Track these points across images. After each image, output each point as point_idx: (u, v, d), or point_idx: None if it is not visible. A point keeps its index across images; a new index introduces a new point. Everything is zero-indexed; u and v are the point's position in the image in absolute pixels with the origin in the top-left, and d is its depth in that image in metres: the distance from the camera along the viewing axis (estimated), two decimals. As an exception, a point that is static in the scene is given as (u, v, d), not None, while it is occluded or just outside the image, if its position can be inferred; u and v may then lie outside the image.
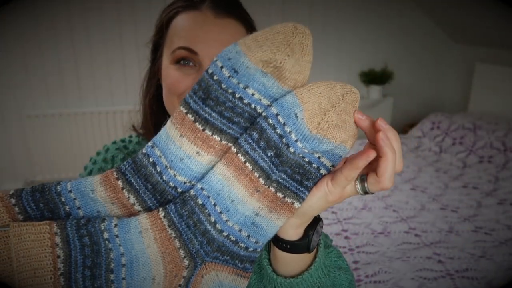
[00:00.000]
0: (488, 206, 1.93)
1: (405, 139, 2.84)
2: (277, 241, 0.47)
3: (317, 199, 0.42)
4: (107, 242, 0.39)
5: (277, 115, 0.38)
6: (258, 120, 0.39)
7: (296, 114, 0.38)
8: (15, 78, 2.55)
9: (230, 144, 0.40)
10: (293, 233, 0.46)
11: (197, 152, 0.40)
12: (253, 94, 0.39)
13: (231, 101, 0.39)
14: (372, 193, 0.41)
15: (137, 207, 0.42)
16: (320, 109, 0.39)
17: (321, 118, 0.39)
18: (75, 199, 0.41)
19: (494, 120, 2.62)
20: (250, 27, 0.64)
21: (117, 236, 0.39)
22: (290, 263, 0.49)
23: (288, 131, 0.38)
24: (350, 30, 3.19)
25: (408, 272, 1.37)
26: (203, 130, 0.39)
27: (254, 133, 0.39)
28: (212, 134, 0.40)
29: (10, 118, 2.61)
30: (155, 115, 0.69)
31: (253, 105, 0.39)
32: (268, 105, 0.40)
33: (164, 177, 0.41)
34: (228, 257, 0.42)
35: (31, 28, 2.49)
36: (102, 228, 0.39)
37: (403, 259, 1.45)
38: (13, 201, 0.40)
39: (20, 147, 2.66)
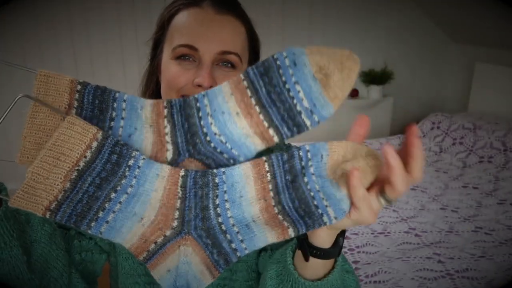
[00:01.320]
0: (488, 206, 1.93)
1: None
2: (312, 249, 0.49)
3: (350, 222, 0.45)
4: (127, 168, 0.42)
5: (308, 151, 0.43)
6: (292, 149, 0.44)
7: (322, 155, 0.43)
8: (15, 77, 2.55)
9: (264, 122, 0.45)
10: (328, 242, 0.48)
11: (237, 113, 0.45)
12: (299, 91, 0.44)
13: (281, 87, 0.44)
14: (395, 201, 0.44)
15: (168, 138, 0.46)
16: (342, 160, 0.43)
17: (339, 166, 0.43)
18: (124, 109, 0.46)
19: (494, 120, 2.62)
20: (249, 26, 0.65)
21: (139, 167, 0.43)
22: (320, 268, 0.51)
23: (309, 165, 0.43)
24: (350, 30, 3.19)
25: (408, 272, 1.37)
26: (250, 97, 0.45)
27: (285, 156, 0.44)
28: (255, 104, 0.45)
29: (10, 118, 2.60)
30: None
31: (295, 101, 0.44)
32: (308, 109, 0.44)
33: (202, 122, 0.46)
34: (210, 242, 0.45)
35: (31, 28, 2.49)
36: (132, 155, 0.43)
37: (403, 259, 1.45)
38: (79, 87, 0.44)
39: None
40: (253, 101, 0.44)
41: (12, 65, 0.45)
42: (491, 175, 2.24)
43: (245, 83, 0.44)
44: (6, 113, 0.43)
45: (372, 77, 3.15)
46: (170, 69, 0.61)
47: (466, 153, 2.51)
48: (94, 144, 0.41)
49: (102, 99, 0.45)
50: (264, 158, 0.44)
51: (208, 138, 0.46)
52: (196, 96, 0.46)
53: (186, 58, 0.60)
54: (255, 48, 0.68)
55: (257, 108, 0.44)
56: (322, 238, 0.48)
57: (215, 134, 0.45)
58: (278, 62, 0.44)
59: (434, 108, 3.50)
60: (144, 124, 0.46)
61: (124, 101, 0.45)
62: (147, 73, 0.71)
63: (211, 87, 0.58)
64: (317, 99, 0.44)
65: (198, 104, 0.46)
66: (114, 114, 0.45)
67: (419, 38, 3.33)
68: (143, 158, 0.43)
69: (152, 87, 0.70)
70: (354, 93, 3.21)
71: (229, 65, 0.61)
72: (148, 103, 0.46)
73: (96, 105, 0.45)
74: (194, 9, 0.61)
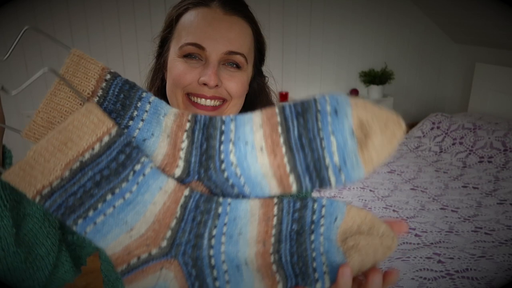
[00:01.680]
0: (488, 206, 1.92)
1: (405, 139, 2.83)
2: None
3: None
4: (131, 172, 0.40)
5: (323, 206, 0.40)
6: (307, 199, 0.41)
7: (336, 218, 0.40)
8: (15, 77, 2.55)
9: (287, 166, 0.41)
10: None
11: (261, 148, 0.41)
12: (332, 143, 0.40)
13: (314, 134, 0.40)
14: None
15: (182, 153, 0.43)
16: (356, 230, 0.40)
17: (352, 235, 0.40)
18: (146, 111, 0.43)
19: (494, 120, 2.62)
20: (255, 28, 0.65)
21: (144, 175, 0.40)
22: None
23: (321, 224, 0.40)
24: (350, 30, 3.19)
25: (408, 272, 1.37)
26: (280, 135, 0.41)
27: (297, 204, 0.41)
28: (283, 144, 0.41)
29: (10, 118, 2.60)
30: None
31: (325, 153, 0.40)
32: (337, 166, 0.40)
33: (222, 147, 0.42)
34: (194, 273, 0.41)
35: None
36: (141, 160, 0.40)
37: (403, 259, 1.45)
38: (108, 76, 0.43)
39: (20, 147, 2.66)
40: (281, 140, 0.40)
41: (51, 38, 0.44)
42: (491, 175, 2.24)
43: (278, 118, 0.41)
44: (29, 82, 0.40)
45: (372, 77, 3.15)
46: (177, 67, 0.61)
47: (466, 153, 2.51)
48: (106, 138, 0.39)
49: (128, 95, 0.43)
50: (275, 199, 0.41)
51: (223, 167, 0.42)
52: (223, 118, 0.43)
53: (193, 57, 0.60)
54: (261, 50, 0.69)
55: (283, 149, 0.40)
56: None
57: (232, 164, 0.42)
58: (318, 106, 0.40)
59: (434, 108, 3.50)
60: (162, 132, 0.43)
61: (149, 103, 0.43)
62: (153, 70, 0.71)
63: (216, 86, 0.58)
64: (349, 158, 0.39)
65: (223, 127, 0.43)
66: (135, 113, 0.43)
67: (419, 38, 3.33)
68: (151, 167, 0.41)
69: (157, 84, 0.70)
70: (354, 93, 3.21)
71: (235, 65, 0.62)
72: (173, 112, 0.44)
73: (120, 99, 0.43)
74: (202, 9, 0.61)
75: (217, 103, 0.62)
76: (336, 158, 0.40)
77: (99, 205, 0.38)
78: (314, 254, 0.40)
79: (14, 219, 0.47)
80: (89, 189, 0.38)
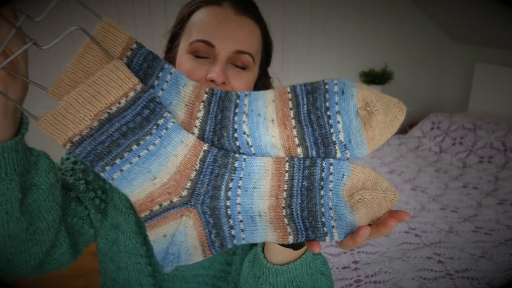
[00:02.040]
0: (488, 206, 1.92)
1: (405, 139, 2.84)
2: None
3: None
4: (155, 126, 0.43)
5: (331, 164, 0.43)
6: (316, 158, 0.44)
7: (343, 175, 0.43)
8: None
9: (296, 138, 0.44)
10: (283, 260, 0.53)
11: (273, 120, 0.44)
12: (338, 122, 0.43)
13: (322, 112, 0.43)
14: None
15: (197, 122, 0.46)
16: (361, 186, 0.43)
17: (357, 191, 0.43)
18: (167, 81, 0.46)
19: (494, 120, 2.62)
20: (264, 29, 0.67)
21: (166, 128, 0.43)
22: (282, 255, 0.54)
23: (329, 180, 0.43)
24: (350, 30, 3.19)
25: (408, 272, 1.37)
26: (290, 109, 0.44)
27: (307, 161, 0.44)
28: (293, 118, 0.44)
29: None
30: None
31: (332, 130, 0.43)
32: (342, 143, 0.44)
33: (236, 118, 0.45)
34: (212, 221, 0.45)
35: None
36: (164, 115, 0.43)
37: (403, 259, 1.45)
38: (134, 46, 0.45)
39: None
40: (292, 114, 0.43)
41: (86, 6, 0.46)
42: (491, 175, 2.24)
43: (289, 95, 0.44)
44: (59, 39, 0.43)
45: (372, 77, 3.15)
46: (185, 63, 0.62)
47: (466, 153, 2.51)
48: (131, 94, 0.41)
49: (151, 65, 0.45)
50: (286, 158, 0.44)
51: (236, 135, 0.45)
52: (238, 93, 0.47)
53: (202, 55, 0.62)
54: (268, 51, 0.70)
55: (293, 122, 0.43)
56: (278, 253, 0.52)
57: (244, 133, 0.45)
58: (326, 86, 0.43)
59: (434, 108, 3.50)
60: (180, 102, 0.46)
61: (170, 73, 0.46)
62: None
63: (223, 83, 0.61)
64: (354, 136, 0.43)
65: (237, 101, 0.46)
66: (156, 82, 0.45)
67: (419, 38, 3.33)
68: (173, 122, 0.44)
69: None
70: (354, 93, 3.22)
71: (242, 65, 0.63)
72: (191, 83, 0.47)
73: (143, 68, 0.45)
74: (214, 8, 0.63)
75: None
76: (341, 136, 0.42)
77: (126, 154, 0.41)
78: (323, 209, 0.43)
79: (21, 185, 0.47)
80: (116, 139, 0.41)
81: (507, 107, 2.78)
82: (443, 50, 3.40)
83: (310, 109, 0.43)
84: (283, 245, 0.50)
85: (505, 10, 2.40)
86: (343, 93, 0.42)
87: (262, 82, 0.72)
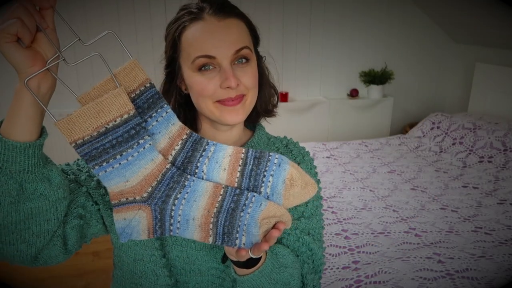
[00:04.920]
0: (488, 206, 1.93)
1: (405, 139, 2.84)
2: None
3: (244, 255, 0.59)
4: (136, 144, 0.56)
5: (254, 196, 0.59)
6: (244, 190, 0.60)
7: (261, 204, 0.58)
8: (15, 78, 2.55)
9: (236, 184, 0.62)
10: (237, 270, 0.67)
11: (224, 169, 0.62)
12: (269, 181, 0.61)
13: (261, 172, 0.61)
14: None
15: (173, 152, 0.62)
16: (272, 215, 0.59)
17: (268, 218, 0.59)
18: (162, 116, 0.61)
19: (494, 120, 2.62)
20: (246, 19, 0.73)
21: (144, 148, 0.57)
22: (238, 269, 0.66)
23: (249, 206, 0.59)
24: (350, 30, 3.19)
25: (408, 272, 1.37)
26: (239, 165, 0.62)
27: (237, 190, 0.60)
28: (239, 171, 0.61)
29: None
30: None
31: (262, 185, 0.61)
32: (267, 194, 0.61)
33: (200, 159, 0.62)
34: (159, 217, 0.60)
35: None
36: (144, 137, 0.57)
37: (403, 259, 1.45)
38: (148, 84, 0.60)
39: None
40: (239, 168, 0.62)
41: (123, 45, 0.60)
42: (491, 175, 2.24)
43: (242, 155, 0.62)
44: (84, 59, 0.61)
45: (372, 77, 3.15)
46: (197, 81, 0.69)
47: (466, 153, 2.51)
48: (125, 116, 0.55)
49: (155, 101, 0.60)
50: (222, 185, 0.61)
51: (196, 170, 0.62)
52: (208, 141, 0.64)
53: (207, 68, 0.68)
54: (255, 35, 0.76)
55: (238, 174, 0.61)
56: (236, 268, 0.65)
57: (203, 171, 0.62)
58: (270, 157, 0.62)
59: (434, 108, 3.50)
60: (166, 134, 0.62)
61: (166, 112, 0.62)
62: (165, 89, 0.76)
63: (237, 85, 0.68)
64: (276, 193, 0.60)
65: (206, 147, 0.63)
66: (154, 114, 0.61)
67: (419, 38, 3.33)
68: (150, 144, 0.58)
69: (174, 97, 0.76)
70: (354, 93, 3.21)
71: (244, 59, 0.69)
72: (178, 124, 0.63)
73: (148, 101, 0.60)
74: (198, 23, 0.68)
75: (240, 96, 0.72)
76: (268, 190, 0.61)
77: (111, 160, 0.55)
78: (239, 224, 0.58)
79: (21, 186, 0.54)
80: (106, 148, 0.55)
81: (507, 107, 2.79)
82: (443, 50, 3.40)
83: (253, 169, 0.61)
84: (237, 262, 0.64)
85: (505, 10, 2.40)
86: (279, 166, 0.61)
87: (259, 64, 0.77)
